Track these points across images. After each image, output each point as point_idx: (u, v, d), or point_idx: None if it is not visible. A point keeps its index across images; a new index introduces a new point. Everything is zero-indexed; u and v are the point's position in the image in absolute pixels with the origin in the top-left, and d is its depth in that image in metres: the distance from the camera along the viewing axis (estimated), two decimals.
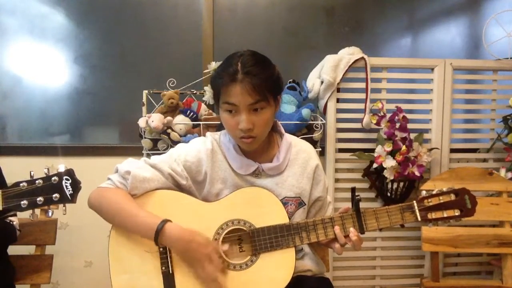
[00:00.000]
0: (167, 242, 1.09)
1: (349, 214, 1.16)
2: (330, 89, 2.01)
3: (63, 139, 2.20)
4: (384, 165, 1.91)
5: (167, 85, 1.98)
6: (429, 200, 1.15)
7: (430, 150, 2.02)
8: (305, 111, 1.90)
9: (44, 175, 1.09)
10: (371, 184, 2.06)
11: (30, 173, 1.10)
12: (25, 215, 1.17)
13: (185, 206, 1.17)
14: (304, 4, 2.31)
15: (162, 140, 1.91)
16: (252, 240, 1.14)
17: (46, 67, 2.18)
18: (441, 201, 1.15)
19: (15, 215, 1.43)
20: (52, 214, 1.12)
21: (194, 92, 2.04)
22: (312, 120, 1.96)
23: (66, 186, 1.09)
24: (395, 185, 1.98)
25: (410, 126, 1.94)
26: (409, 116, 1.95)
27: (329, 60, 2.00)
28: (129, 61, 2.22)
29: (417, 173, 1.91)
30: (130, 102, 2.15)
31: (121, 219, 1.12)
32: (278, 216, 1.16)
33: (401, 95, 2.13)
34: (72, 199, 1.10)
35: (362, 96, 2.04)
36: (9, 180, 1.39)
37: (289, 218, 1.18)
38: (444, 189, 1.16)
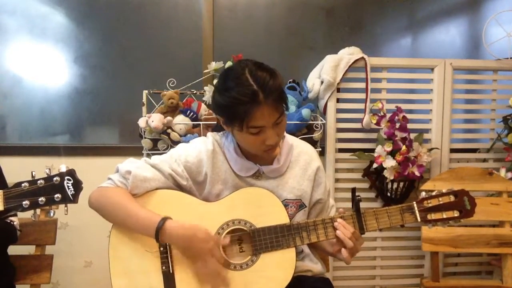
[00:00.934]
0: (168, 239, 1.09)
1: (350, 215, 1.16)
2: (330, 89, 2.01)
3: (63, 139, 2.20)
4: (384, 165, 1.91)
5: (167, 85, 1.97)
6: (429, 201, 1.16)
7: (430, 150, 2.02)
8: (305, 111, 1.90)
9: (45, 175, 1.09)
10: (371, 184, 2.06)
11: (32, 173, 1.10)
12: (25, 215, 1.17)
13: (186, 206, 1.17)
14: (304, 4, 2.31)
15: (162, 140, 1.91)
16: (253, 240, 1.14)
17: (46, 67, 2.18)
18: (441, 202, 1.15)
19: (15, 215, 1.43)
20: (53, 214, 1.12)
21: (194, 92, 2.04)
22: (312, 120, 1.96)
23: (68, 186, 1.09)
24: (395, 185, 1.98)
25: (410, 126, 1.94)
26: (409, 116, 1.95)
27: (329, 60, 2.00)
28: (129, 61, 2.22)
29: (417, 173, 1.91)
30: (130, 102, 2.15)
31: (121, 218, 1.12)
32: (278, 216, 1.16)
33: (401, 95, 2.12)
34: (74, 199, 1.10)
35: (362, 96, 2.04)
36: (9, 180, 1.40)
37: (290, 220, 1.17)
38: (444, 191, 1.17)
